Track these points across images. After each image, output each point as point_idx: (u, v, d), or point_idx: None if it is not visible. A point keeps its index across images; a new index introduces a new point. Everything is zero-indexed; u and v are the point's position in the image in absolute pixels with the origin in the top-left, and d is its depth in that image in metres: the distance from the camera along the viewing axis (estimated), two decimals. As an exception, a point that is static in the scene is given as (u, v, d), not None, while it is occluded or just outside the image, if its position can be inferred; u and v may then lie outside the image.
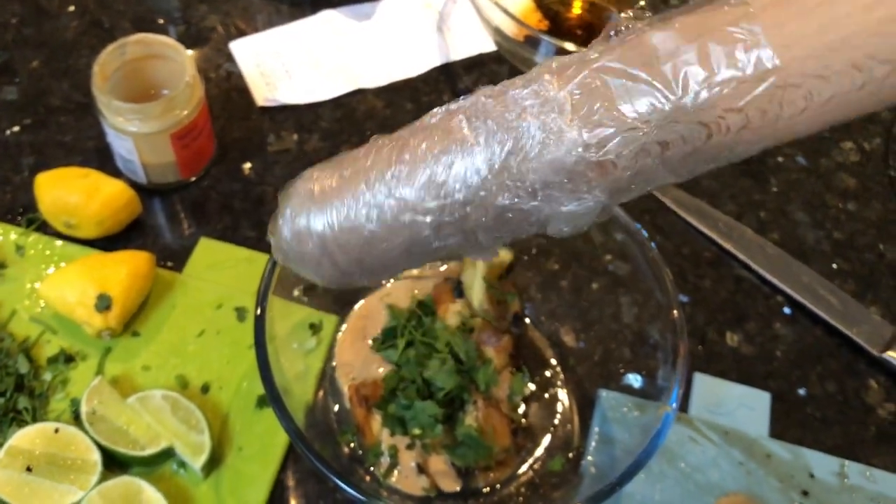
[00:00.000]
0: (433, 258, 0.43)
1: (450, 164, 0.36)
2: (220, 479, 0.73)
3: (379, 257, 0.41)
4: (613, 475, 0.71)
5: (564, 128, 0.34)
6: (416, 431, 0.71)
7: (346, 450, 0.74)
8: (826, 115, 0.33)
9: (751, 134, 0.33)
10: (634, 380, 0.79)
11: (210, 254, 0.86)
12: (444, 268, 0.84)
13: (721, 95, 0.32)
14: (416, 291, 0.81)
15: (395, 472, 0.72)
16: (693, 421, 0.81)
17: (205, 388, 0.77)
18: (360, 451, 0.73)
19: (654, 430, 0.64)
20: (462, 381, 0.73)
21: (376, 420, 0.73)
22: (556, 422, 0.77)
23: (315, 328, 0.77)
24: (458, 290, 0.80)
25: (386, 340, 0.77)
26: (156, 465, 0.73)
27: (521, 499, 0.73)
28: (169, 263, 0.86)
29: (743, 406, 0.83)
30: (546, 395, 0.79)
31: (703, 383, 0.84)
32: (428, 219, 0.38)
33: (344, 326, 0.80)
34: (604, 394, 0.79)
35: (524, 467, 0.74)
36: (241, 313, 0.82)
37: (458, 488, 0.72)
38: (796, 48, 0.31)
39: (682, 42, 0.32)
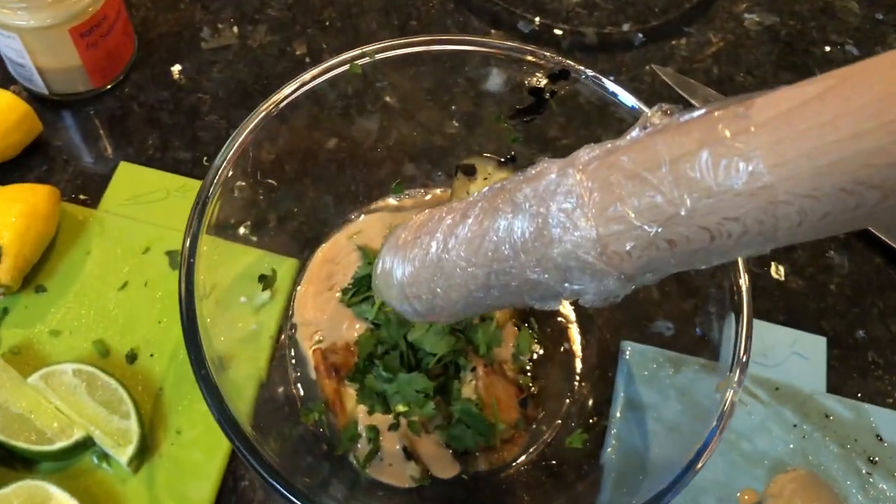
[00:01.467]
0: (494, 309, 0.52)
1: (492, 238, 0.41)
2: (154, 474, 0.58)
3: (445, 307, 0.45)
4: (646, 455, 0.58)
5: (580, 222, 0.37)
6: (401, 409, 0.56)
7: (312, 432, 0.58)
8: (824, 228, 0.33)
9: (752, 238, 0.34)
10: (665, 328, 0.65)
11: (133, 183, 0.69)
12: (428, 196, 0.67)
13: (718, 205, 0.33)
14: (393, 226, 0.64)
15: (377, 459, 0.57)
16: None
17: (131, 357, 0.61)
18: (331, 434, 0.58)
19: (715, 411, 0.50)
20: (456, 344, 0.57)
21: (350, 395, 0.58)
22: (575, 385, 0.63)
23: (267, 279, 0.61)
24: (448, 224, 0.63)
25: (358, 291, 0.61)
26: (69, 459, 0.57)
27: (533, 485, 0.58)
28: (81, 196, 0.69)
29: (795, 354, 0.68)
30: (561, 351, 0.64)
31: (745, 327, 0.69)
32: (478, 282, 0.42)
33: (305, 273, 0.64)
34: (628, 347, 0.64)
35: (537, 445, 0.60)
36: (174, 258, 0.65)
37: (455, 473, 0.58)
38: (787, 168, 0.32)
39: (686, 149, 0.34)
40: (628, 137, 0.37)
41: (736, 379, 0.49)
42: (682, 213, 0.34)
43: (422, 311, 0.46)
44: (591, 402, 0.63)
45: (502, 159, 0.64)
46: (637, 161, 0.36)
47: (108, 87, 0.73)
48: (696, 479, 0.61)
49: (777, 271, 0.72)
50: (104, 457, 0.57)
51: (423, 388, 0.55)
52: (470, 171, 0.62)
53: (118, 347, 0.61)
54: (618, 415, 0.61)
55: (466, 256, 0.42)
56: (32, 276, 0.63)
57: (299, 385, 0.60)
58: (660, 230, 0.35)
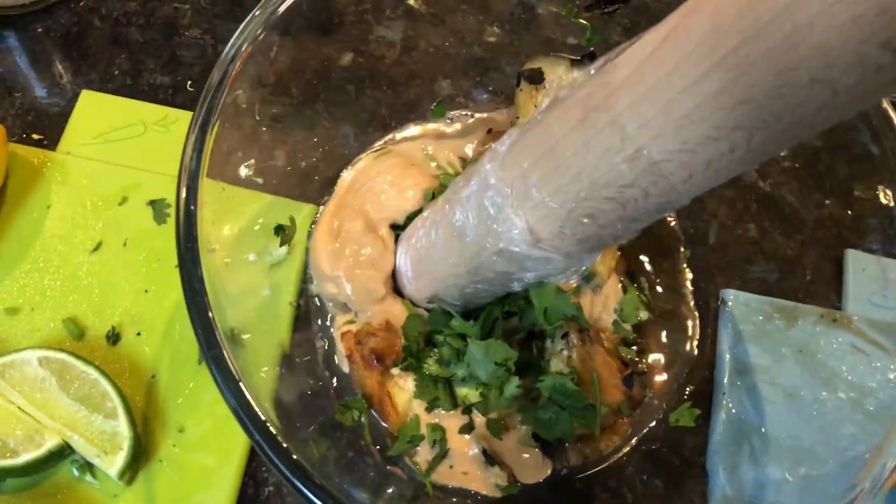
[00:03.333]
0: (496, 297, 0.46)
1: (457, 235, 0.41)
2: (153, 484, 0.46)
3: (448, 300, 0.45)
4: (765, 433, 0.47)
5: (509, 214, 0.37)
6: (473, 397, 0.44)
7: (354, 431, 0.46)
8: (720, 175, 0.31)
9: (660, 198, 0.33)
10: (768, 271, 0.54)
11: (100, 116, 0.57)
12: (474, 118, 0.54)
13: (610, 176, 0.33)
14: (430, 151, 0.51)
15: (446, 464, 0.44)
16: (852, 321, 0.55)
17: (112, 337, 0.49)
18: (378, 435, 0.45)
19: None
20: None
21: (401, 387, 0.45)
22: (684, 348, 0.51)
23: (285, 231, 0.47)
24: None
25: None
26: (43, 472, 0.45)
27: (637, 480, 0.47)
28: (34, 136, 0.56)
29: (922, 292, 0.57)
30: (670, 308, 0.52)
31: (861, 262, 0.58)
32: (461, 280, 0.43)
33: (321, 224, 0.50)
34: (730, 297, 0.52)
35: (643, 430, 0.48)
36: (159, 210, 0.53)
37: (546, 475, 0.45)
38: (651, 128, 0.30)
39: (570, 125, 0.34)
40: (538, 113, 0.36)
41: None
42: (585, 186, 0.33)
43: (429, 303, 0.46)
44: (690, 368, 0.51)
45: (576, 58, 0.50)
46: (540, 142, 0.35)
47: (60, -3, 0.59)
48: (811, 448, 0.51)
49: (885, 196, 0.61)
50: (87, 467, 0.45)
51: (505, 357, 0.42)
52: (537, 78, 0.48)
53: (95, 326, 0.49)
54: (725, 381, 0.50)
55: (445, 255, 0.42)
56: (-23, 240, 0.50)
57: (331, 362, 0.47)
58: (573, 206, 0.34)
